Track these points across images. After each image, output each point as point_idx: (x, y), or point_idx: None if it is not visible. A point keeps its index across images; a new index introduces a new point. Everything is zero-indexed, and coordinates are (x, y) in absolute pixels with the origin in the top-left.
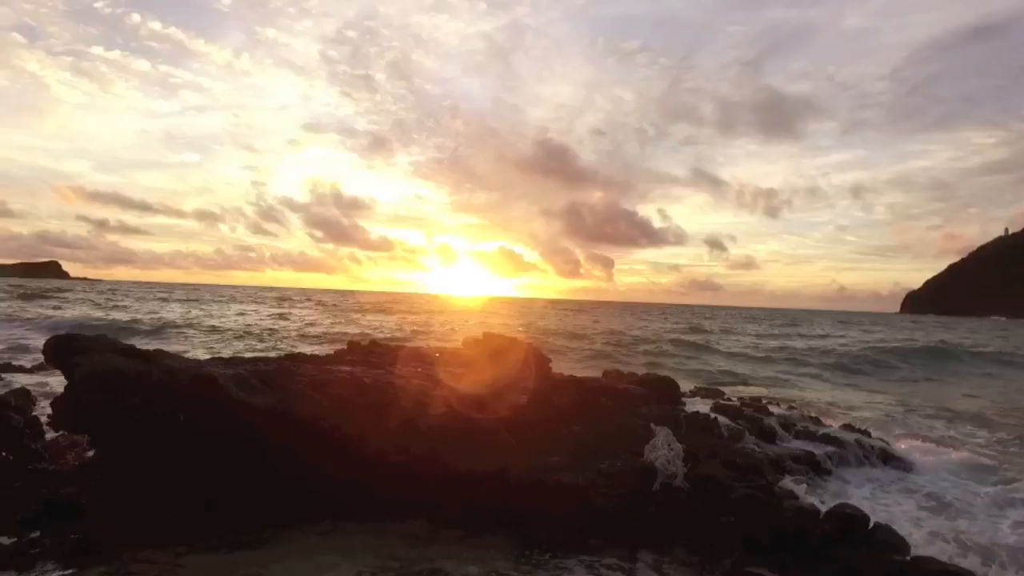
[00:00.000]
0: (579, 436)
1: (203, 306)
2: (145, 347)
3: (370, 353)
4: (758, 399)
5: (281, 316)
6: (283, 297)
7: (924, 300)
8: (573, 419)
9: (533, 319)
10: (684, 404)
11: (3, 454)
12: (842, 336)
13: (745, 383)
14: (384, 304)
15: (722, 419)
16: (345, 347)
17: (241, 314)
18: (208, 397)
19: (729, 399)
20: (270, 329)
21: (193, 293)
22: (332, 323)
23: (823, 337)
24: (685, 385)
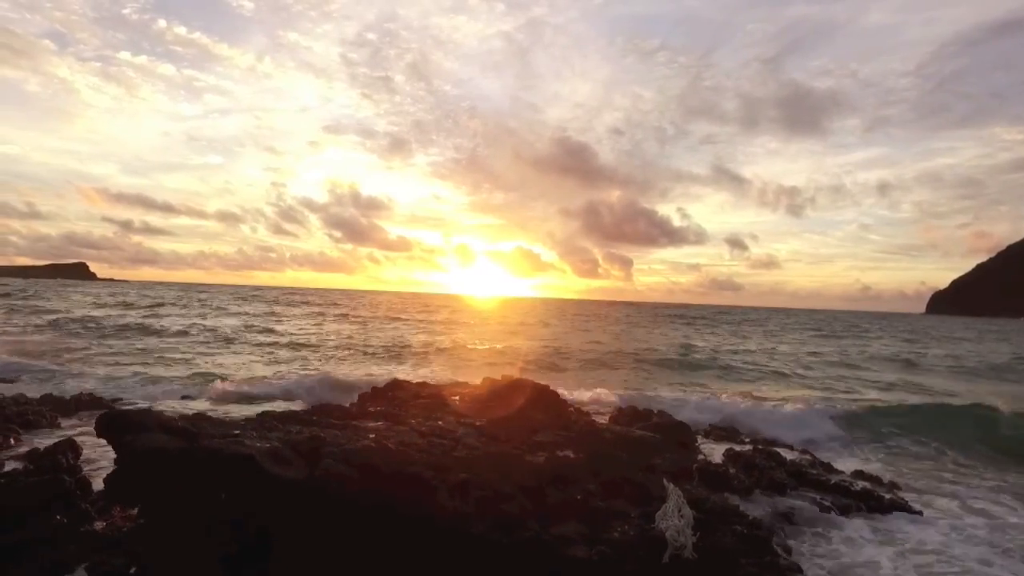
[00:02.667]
0: (592, 498)
1: (215, 318)
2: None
3: (393, 399)
4: (772, 441)
5: (299, 326)
6: (304, 300)
7: (951, 300)
8: (587, 476)
9: (551, 330)
10: (699, 447)
11: (57, 517)
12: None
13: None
14: (403, 308)
15: (733, 469)
16: (369, 391)
17: (264, 330)
18: (245, 474)
19: (744, 440)
20: (295, 354)
21: (212, 294)
22: (353, 339)
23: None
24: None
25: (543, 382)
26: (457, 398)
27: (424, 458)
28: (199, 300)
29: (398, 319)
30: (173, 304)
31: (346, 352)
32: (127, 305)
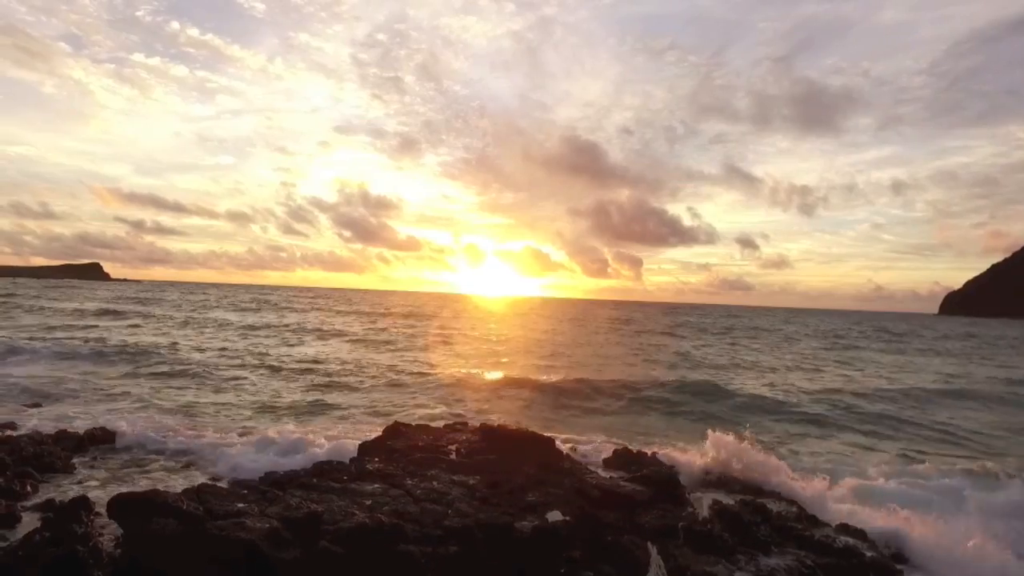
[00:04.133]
0: (577, 567)
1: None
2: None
3: (392, 452)
4: (759, 490)
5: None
6: (313, 305)
7: (964, 301)
8: (574, 541)
9: (560, 343)
10: (688, 498)
11: None
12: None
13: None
14: (410, 312)
15: (718, 526)
16: (371, 441)
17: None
18: (248, 559)
19: (734, 489)
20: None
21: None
22: (356, 363)
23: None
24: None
25: (543, 419)
26: (454, 447)
27: (416, 530)
28: (201, 306)
29: (403, 331)
30: (171, 316)
31: (348, 377)
32: (133, 315)
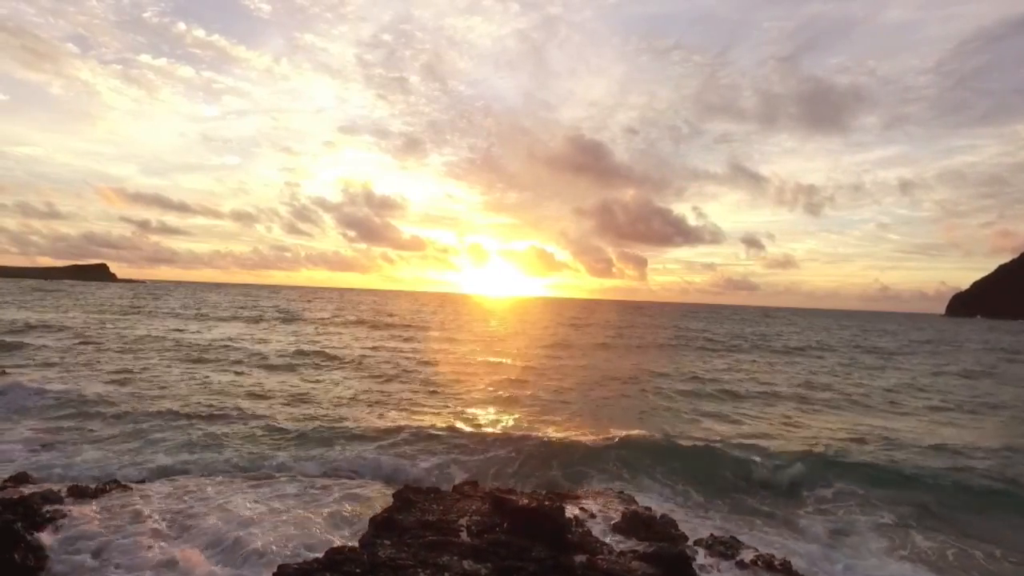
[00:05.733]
0: None
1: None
2: None
3: (404, 531)
4: (771, 559)
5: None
6: (307, 314)
7: (972, 301)
8: None
9: (567, 359)
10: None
11: None
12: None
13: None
14: (410, 320)
15: None
16: (381, 514)
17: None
18: None
19: (744, 562)
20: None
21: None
22: (354, 398)
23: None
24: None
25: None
26: (465, 522)
27: None
28: (200, 316)
29: (405, 349)
30: (168, 340)
31: (345, 422)
32: (133, 324)
